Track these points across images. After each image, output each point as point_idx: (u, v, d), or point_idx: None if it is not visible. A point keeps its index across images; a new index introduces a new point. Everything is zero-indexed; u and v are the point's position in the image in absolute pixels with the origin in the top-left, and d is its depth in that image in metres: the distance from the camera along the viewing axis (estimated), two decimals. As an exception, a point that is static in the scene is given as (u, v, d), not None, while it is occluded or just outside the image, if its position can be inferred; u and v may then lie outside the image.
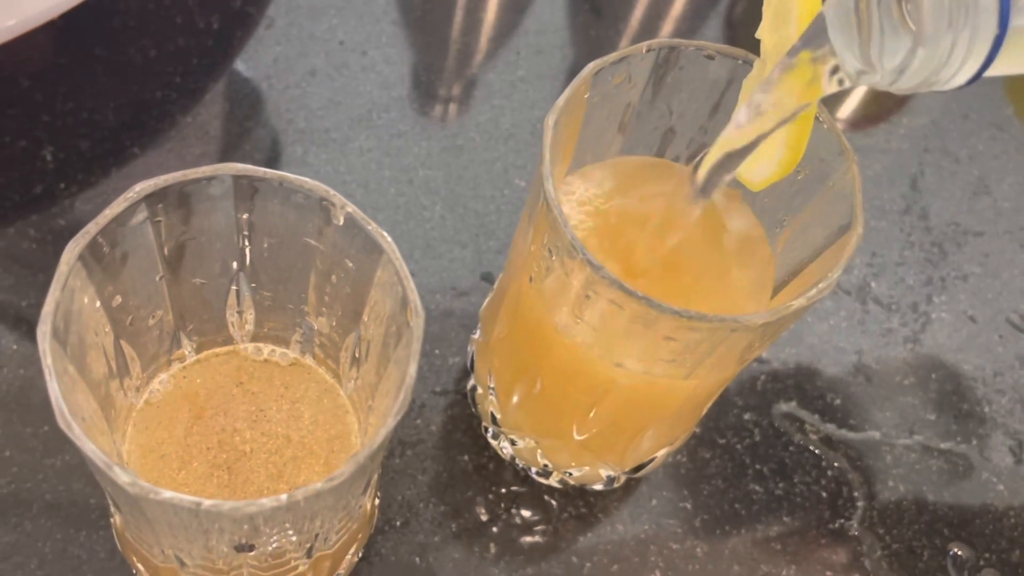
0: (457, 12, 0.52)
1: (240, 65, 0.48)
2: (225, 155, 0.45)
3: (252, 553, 0.28)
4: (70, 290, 0.26)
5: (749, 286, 0.33)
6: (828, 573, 0.40)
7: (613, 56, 0.31)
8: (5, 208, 0.42)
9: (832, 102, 0.53)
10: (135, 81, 0.46)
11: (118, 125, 0.45)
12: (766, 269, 0.34)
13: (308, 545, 0.29)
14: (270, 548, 0.28)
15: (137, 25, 0.48)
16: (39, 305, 0.41)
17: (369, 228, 0.28)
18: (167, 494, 0.24)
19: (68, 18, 0.42)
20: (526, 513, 0.39)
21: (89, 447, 0.24)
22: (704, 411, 0.36)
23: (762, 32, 0.30)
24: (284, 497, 0.24)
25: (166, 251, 0.29)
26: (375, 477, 0.32)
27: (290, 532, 0.27)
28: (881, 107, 0.54)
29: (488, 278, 0.44)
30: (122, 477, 0.24)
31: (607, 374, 0.32)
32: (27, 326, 0.40)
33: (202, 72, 0.47)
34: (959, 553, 0.41)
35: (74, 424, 0.24)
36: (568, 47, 0.52)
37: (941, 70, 0.23)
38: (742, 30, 0.55)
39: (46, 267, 0.41)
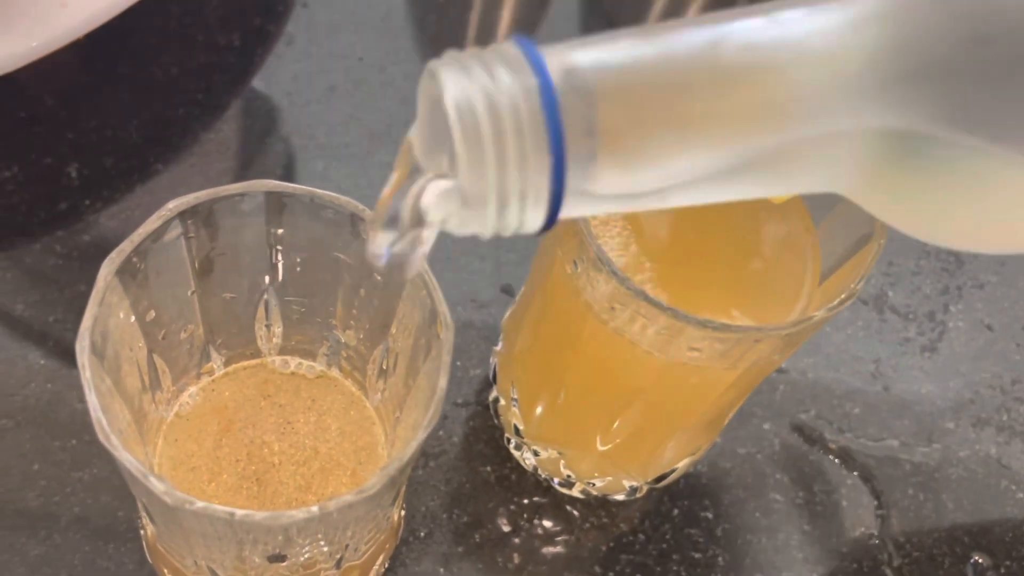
0: (471, 27, 0.53)
1: (260, 82, 0.49)
2: (247, 170, 0.46)
3: (284, 564, 0.28)
4: (107, 306, 0.26)
5: (795, 275, 0.32)
6: (849, 582, 0.40)
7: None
8: (31, 224, 0.43)
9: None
10: (158, 98, 0.47)
11: (141, 142, 0.46)
12: (813, 255, 0.33)
13: (338, 556, 0.29)
14: (302, 559, 0.28)
15: (159, 44, 0.48)
16: (65, 321, 0.41)
17: (398, 242, 0.28)
18: (201, 504, 0.24)
19: (92, 37, 0.42)
20: (548, 523, 0.39)
21: (127, 458, 0.24)
22: (726, 421, 0.37)
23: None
24: (316, 508, 0.24)
25: (198, 266, 0.30)
26: (403, 488, 0.32)
27: (322, 543, 0.28)
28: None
29: (508, 290, 0.44)
30: (158, 487, 0.24)
31: (635, 384, 0.32)
32: (53, 341, 0.40)
33: (223, 89, 0.48)
34: (980, 561, 0.41)
35: (113, 436, 0.24)
36: (584, 61, 0.52)
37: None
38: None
39: (72, 283, 0.42)
